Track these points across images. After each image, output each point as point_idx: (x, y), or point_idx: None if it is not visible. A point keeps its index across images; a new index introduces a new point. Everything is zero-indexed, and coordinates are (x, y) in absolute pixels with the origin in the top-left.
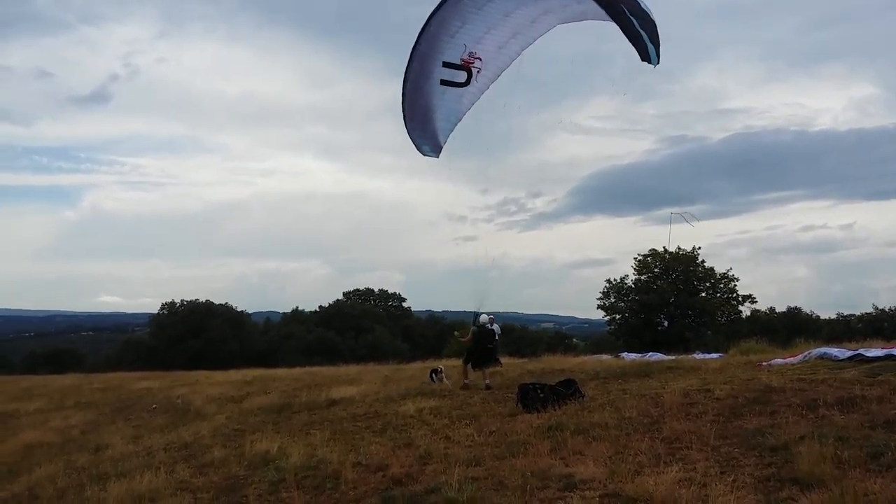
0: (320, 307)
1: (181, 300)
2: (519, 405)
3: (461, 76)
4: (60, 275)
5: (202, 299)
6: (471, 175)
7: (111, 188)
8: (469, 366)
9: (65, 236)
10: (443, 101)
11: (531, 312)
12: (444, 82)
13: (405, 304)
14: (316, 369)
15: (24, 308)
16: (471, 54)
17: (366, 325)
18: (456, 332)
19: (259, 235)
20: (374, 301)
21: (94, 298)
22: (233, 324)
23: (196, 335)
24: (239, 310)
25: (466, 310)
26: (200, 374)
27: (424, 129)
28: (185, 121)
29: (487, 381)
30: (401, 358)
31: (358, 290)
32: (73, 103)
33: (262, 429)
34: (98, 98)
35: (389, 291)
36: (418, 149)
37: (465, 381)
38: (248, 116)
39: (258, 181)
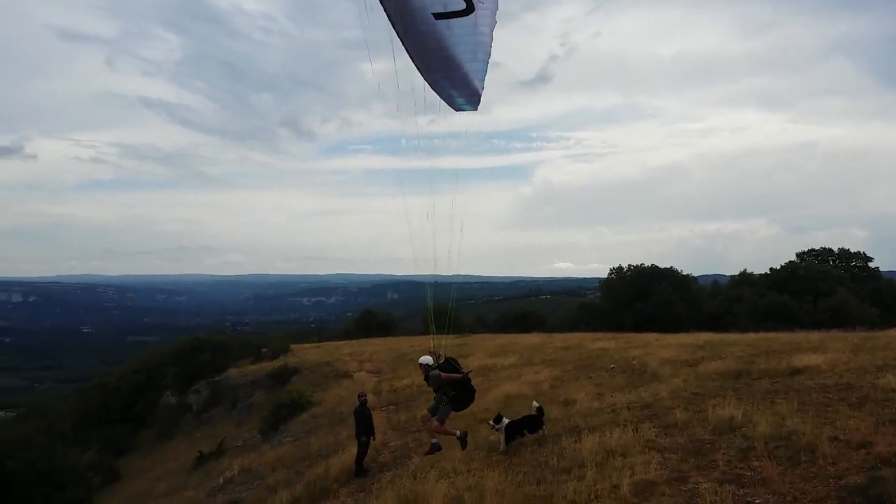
0: (771, 269)
1: (628, 265)
2: None
3: (457, 2)
4: (521, 244)
5: (647, 263)
6: None
7: (559, 162)
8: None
9: (522, 210)
10: (455, 36)
11: None
12: (440, 15)
13: (871, 265)
14: (771, 335)
15: (494, 275)
16: None
17: (824, 289)
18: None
19: (699, 197)
20: (834, 261)
21: (549, 265)
22: (678, 287)
23: (643, 298)
24: (684, 273)
25: None
26: (651, 337)
27: (453, 78)
28: (622, 90)
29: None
30: (869, 325)
31: (813, 249)
32: (520, 88)
33: (721, 394)
34: (541, 79)
35: (851, 250)
36: (450, 103)
37: (434, 440)
38: (683, 76)
39: (696, 142)
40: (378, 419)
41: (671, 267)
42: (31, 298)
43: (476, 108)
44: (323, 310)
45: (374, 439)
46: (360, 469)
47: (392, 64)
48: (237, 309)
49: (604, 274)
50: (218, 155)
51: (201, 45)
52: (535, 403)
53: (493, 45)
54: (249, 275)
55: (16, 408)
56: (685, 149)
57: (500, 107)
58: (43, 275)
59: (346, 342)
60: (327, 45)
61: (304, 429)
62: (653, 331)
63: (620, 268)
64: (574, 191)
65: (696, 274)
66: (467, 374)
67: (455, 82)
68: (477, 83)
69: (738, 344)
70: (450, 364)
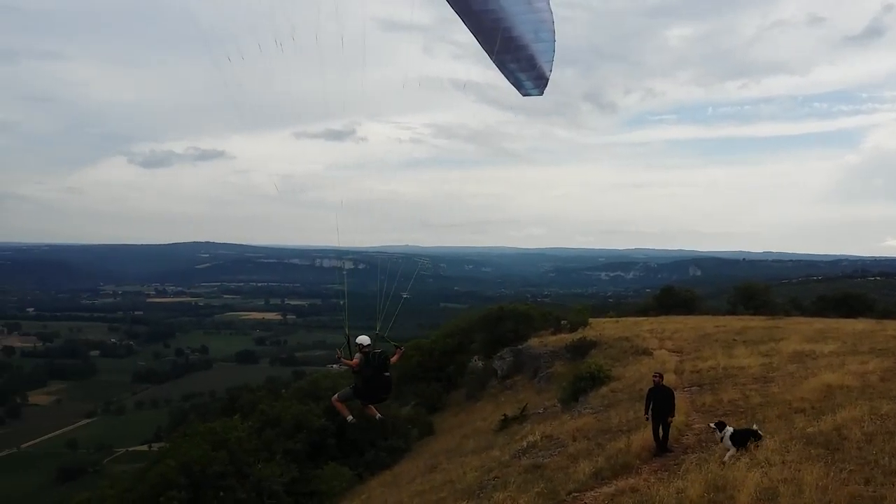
0: None
1: None
2: None
3: None
4: (844, 219)
5: None
6: None
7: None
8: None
9: (847, 180)
10: (513, 16)
11: None
12: None
13: None
14: None
15: (811, 252)
16: None
17: None
18: (339, 353)
19: None
20: None
21: (880, 243)
22: None
23: None
24: None
25: None
26: None
27: (520, 60)
28: None
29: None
30: None
31: None
32: (846, 43)
33: None
34: (872, 33)
35: None
36: (517, 86)
37: (349, 418)
38: None
39: None
40: (681, 400)
41: None
42: (361, 266)
43: (542, 93)
44: (621, 284)
45: (671, 420)
46: (661, 448)
47: (697, 29)
48: (538, 281)
49: None
50: (521, 132)
51: None
52: (754, 427)
53: (553, 19)
54: (549, 248)
55: None
56: None
57: (821, 66)
58: (370, 245)
59: (645, 319)
60: (629, 14)
61: (604, 402)
62: None
63: None
64: None
65: None
66: (364, 380)
67: (522, 64)
68: (544, 65)
69: None
70: (378, 359)
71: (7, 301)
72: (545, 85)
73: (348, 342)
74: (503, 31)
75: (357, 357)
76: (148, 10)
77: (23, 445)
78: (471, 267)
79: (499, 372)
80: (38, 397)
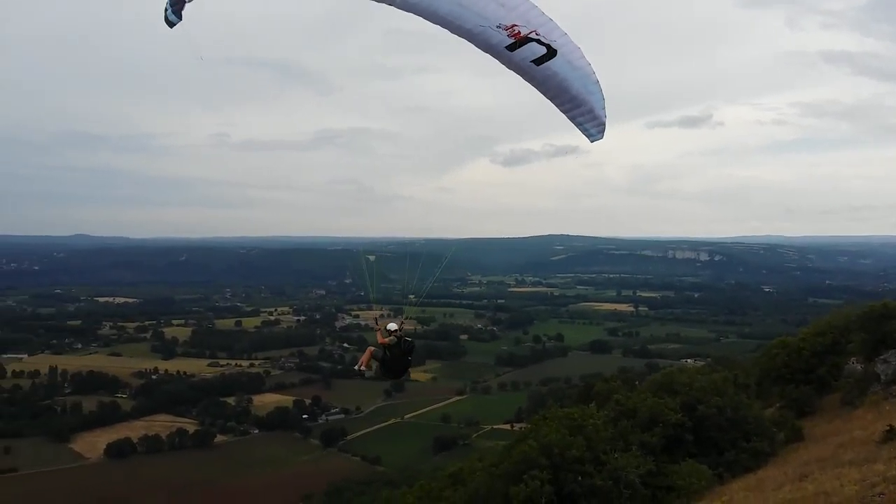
0: None
1: None
2: None
3: (535, 49)
4: None
5: None
6: None
7: None
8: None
9: None
10: (567, 76)
11: None
12: (538, 61)
13: None
14: None
15: None
16: (501, 26)
17: None
18: (377, 328)
19: None
20: None
21: None
22: None
23: None
24: None
25: None
26: None
27: (583, 113)
28: None
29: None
30: None
31: None
32: None
33: None
34: None
35: None
36: (586, 135)
37: (362, 367)
38: None
39: None
40: None
41: None
42: (717, 257)
43: (603, 137)
44: None
45: None
46: None
47: None
48: None
49: None
50: None
51: None
52: None
53: (594, 71)
54: None
55: (703, 357)
56: None
57: None
58: (727, 235)
59: None
60: None
61: None
62: None
63: None
64: None
65: None
66: (391, 357)
67: (586, 116)
68: (600, 113)
69: None
70: (405, 345)
71: (393, 289)
72: (604, 129)
73: (376, 322)
74: (564, 92)
75: (389, 338)
76: None
77: (406, 416)
78: (845, 258)
79: (882, 377)
80: (418, 374)
